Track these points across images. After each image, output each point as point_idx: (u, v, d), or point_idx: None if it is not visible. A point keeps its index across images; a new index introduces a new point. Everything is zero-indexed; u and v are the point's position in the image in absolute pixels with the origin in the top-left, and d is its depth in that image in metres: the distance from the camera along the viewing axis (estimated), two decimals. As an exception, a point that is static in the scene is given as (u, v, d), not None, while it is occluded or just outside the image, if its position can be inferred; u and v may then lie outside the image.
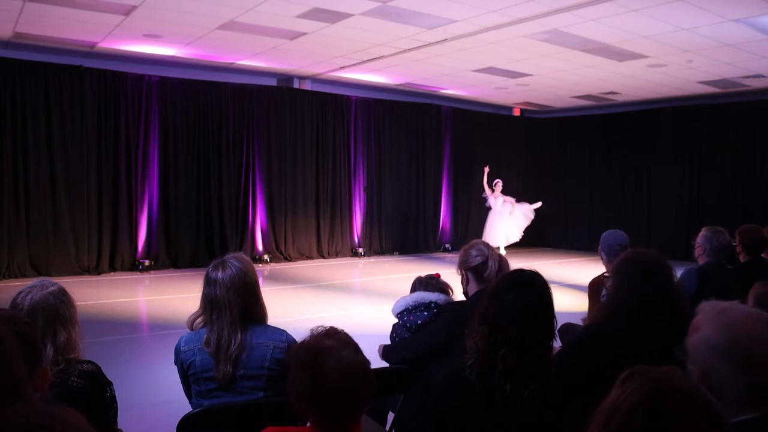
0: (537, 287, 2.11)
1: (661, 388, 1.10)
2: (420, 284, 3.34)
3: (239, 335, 2.39)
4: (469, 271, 3.06)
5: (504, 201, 12.62)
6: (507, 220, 12.49)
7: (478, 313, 2.11)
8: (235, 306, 2.39)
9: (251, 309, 2.46)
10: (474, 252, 3.06)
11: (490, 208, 12.79)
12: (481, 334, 2.05)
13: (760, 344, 1.45)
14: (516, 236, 12.60)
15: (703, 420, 1.07)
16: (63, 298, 2.25)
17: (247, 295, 2.44)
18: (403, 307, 3.18)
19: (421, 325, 3.08)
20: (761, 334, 1.47)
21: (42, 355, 1.42)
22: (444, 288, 3.30)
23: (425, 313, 3.11)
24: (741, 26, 7.62)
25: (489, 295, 2.16)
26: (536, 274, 2.18)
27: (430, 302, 3.13)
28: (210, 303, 2.43)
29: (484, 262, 3.01)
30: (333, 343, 1.69)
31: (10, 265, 9.23)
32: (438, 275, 3.42)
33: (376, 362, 2.36)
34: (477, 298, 2.74)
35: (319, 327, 1.80)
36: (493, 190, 12.70)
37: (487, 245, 3.14)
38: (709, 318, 1.55)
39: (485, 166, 13.03)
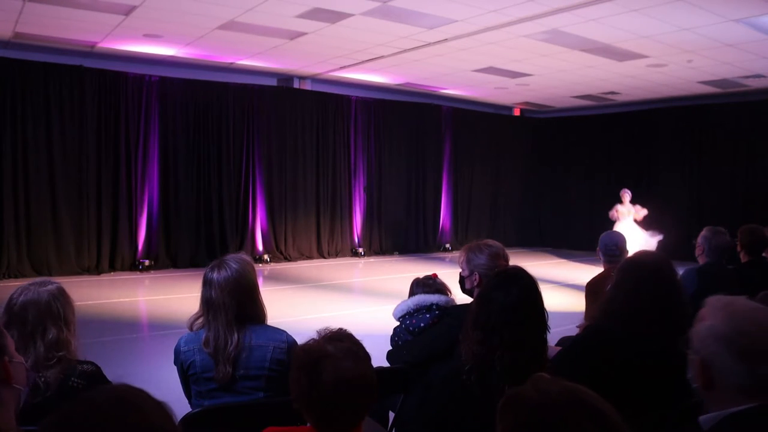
0: (522, 283, 2.11)
1: (537, 412, 1.13)
2: (418, 286, 3.33)
3: (236, 336, 2.40)
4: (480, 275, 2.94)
5: (634, 214, 11.03)
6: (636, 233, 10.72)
7: (470, 318, 2.12)
8: (230, 307, 2.40)
9: (248, 310, 2.47)
10: (483, 260, 2.93)
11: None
12: (475, 338, 2.06)
13: (763, 334, 1.48)
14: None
15: (586, 419, 1.10)
16: (59, 296, 2.26)
17: (243, 296, 2.45)
18: (405, 311, 3.17)
19: (424, 328, 3.07)
20: (764, 324, 1.50)
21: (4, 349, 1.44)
22: (442, 289, 3.29)
23: (427, 316, 3.11)
24: (741, 26, 7.62)
25: (478, 298, 2.17)
26: (520, 270, 2.17)
27: (431, 304, 3.13)
28: (207, 304, 2.45)
29: (486, 275, 2.86)
30: (334, 350, 1.65)
31: (10, 265, 9.22)
32: (435, 275, 3.41)
33: (379, 362, 2.35)
34: None
35: (326, 328, 1.76)
36: (622, 202, 11.22)
37: (500, 250, 2.97)
38: (715, 309, 1.58)
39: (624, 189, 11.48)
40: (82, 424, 0.93)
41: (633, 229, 10.68)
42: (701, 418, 1.55)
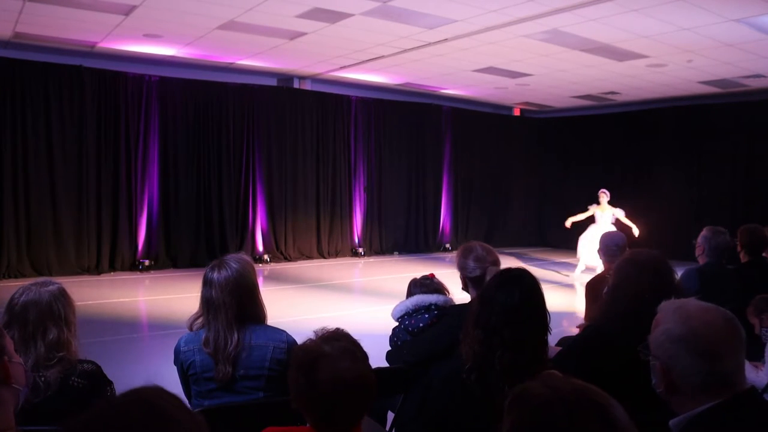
0: (525, 284, 2.12)
1: (547, 408, 1.12)
2: (415, 286, 3.33)
3: (236, 335, 2.40)
4: (468, 280, 3.00)
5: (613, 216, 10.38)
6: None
7: (471, 317, 2.13)
8: (230, 307, 2.41)
9: (248, 310, 2.47)
10: (471, 263, 2.96)
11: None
12: (476, 338, 2.06)
13: (716, 332, 1.54)
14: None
15: (595, 418, 1.10)
16: (60, 297, 2.26)
17: (243, 296, 2.45)
18: (404, 311, 3.17)
19: (423, 329, 3.07)
20: (717, 323, 1.56)
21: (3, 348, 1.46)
22: (440, 289, 3.29)
23: (426, 316, 3.11)
24: (741, 26, 7.62)
25: (479, 298, 2.17)
26: (523, 271, 2.18)
27: (430, 304, 3.13)
28: (207, 304, 2.46)
29: (482, 276, 2.90)
30: (331, 350, 1.65)
31: (10, 265, 9.22)
32: (432, 275, 3.41)
33: (378, 362, 2.35)
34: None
35: (324, 328, 1.76)
36: (598, 203, 10.62)
37: (486, 251, 2.99)
38: (668, 313, 1.63)
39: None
40: (104, 428, 0.90)
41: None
42: (671, 421, 1.57)
